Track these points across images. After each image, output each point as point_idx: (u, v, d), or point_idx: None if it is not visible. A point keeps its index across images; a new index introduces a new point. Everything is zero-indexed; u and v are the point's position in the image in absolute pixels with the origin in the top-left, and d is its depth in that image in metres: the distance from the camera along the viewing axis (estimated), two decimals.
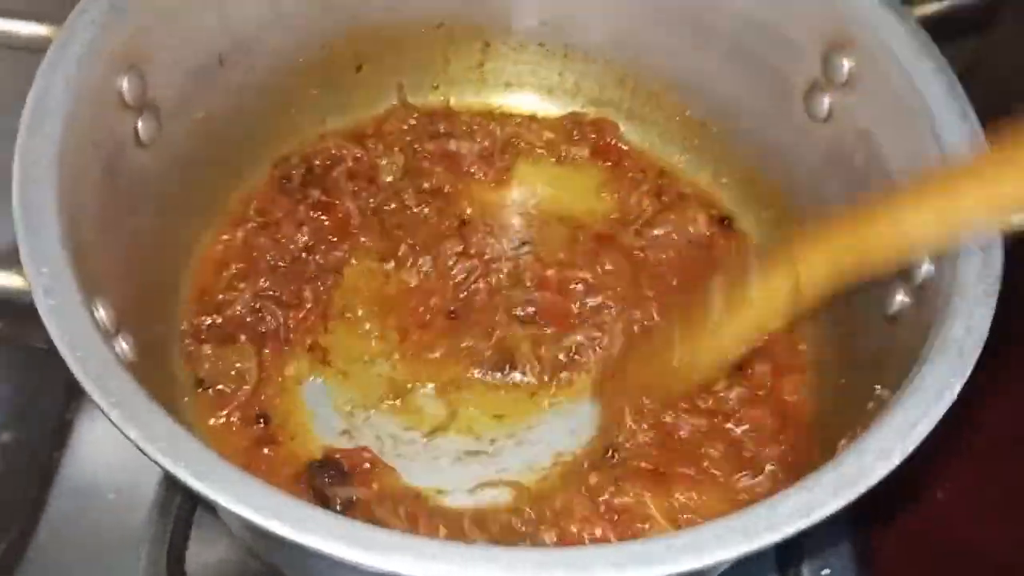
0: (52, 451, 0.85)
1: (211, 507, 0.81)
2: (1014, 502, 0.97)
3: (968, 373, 0.57)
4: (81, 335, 0.55)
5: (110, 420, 0.52)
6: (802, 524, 0.50)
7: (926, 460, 0.94)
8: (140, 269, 0.75)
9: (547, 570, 0.48)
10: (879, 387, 0.65)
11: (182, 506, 0.82)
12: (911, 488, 0.95)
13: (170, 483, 0.82)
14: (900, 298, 0.71)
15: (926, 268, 0.67)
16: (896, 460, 0.53)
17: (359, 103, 1.01)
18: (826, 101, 0.83)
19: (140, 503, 0.82)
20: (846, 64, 0.79)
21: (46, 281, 0.57)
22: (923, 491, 0.96)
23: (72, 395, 0.87)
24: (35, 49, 0.67)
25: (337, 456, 0.76)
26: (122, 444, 0.84)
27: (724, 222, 0.96)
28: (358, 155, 0.97)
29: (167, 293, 0.84)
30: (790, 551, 0.84)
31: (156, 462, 0.51)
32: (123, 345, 0.65)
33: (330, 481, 0.73)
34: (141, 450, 0.51)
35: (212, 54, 0.84)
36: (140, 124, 0.75)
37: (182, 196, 0.84)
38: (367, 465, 0.76)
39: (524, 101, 1.06)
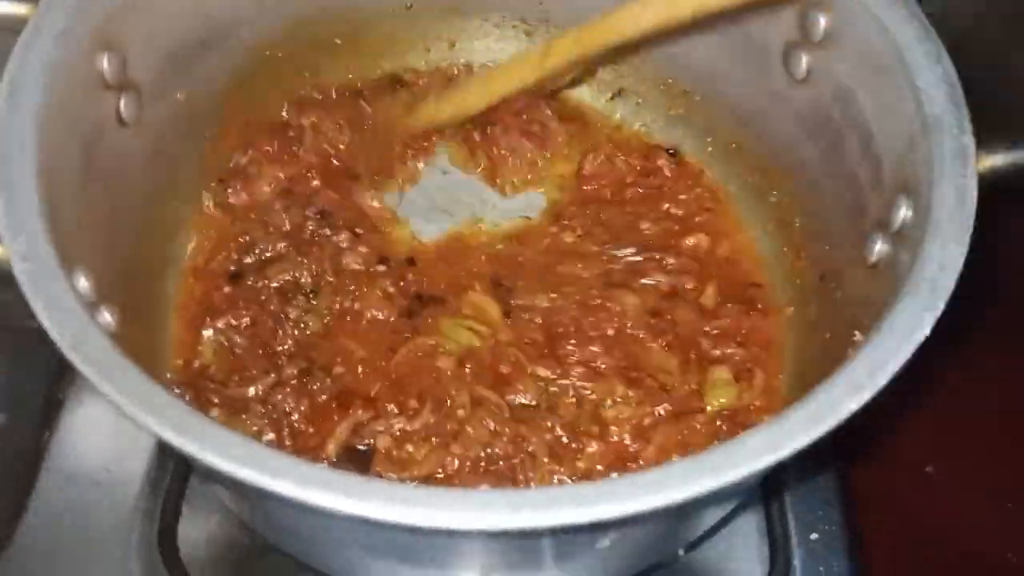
0: (42, 431, 0.86)
1: (202, 479, 0.82)
2: (1003, 477, 0.97)
3: (941, 308, 0.56)
4: (58, 299, 0.56)
5: (85, 376, 0.52)
6: (771, 459, 0.50)
7: (917, 435, 0.96)
8: (125, 244, 0.76)
9: (516, 511, 0.49)
10: (858, 333, 0.65)
11: (172, 483, 0.83)
12: (901, 460, 0.95)
13: (160, 461, 0.83)
14: (880, 246, 0.71)
15: (903, 213, 0.67)
16: (866, 395, 0.53)
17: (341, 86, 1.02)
18: (804, 60, 0.83)
19: (130, 481, 0.83)
20: (822, 21, 0.79)
21: (23, 248, 0.58)
22: (913, 465, 0.97)
23: (61, 374, 0.88)
24: (10, 28, 0.68)
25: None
26: (112, 423, 0.88)
27: None
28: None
29: (153, 274, 0.85)
30: (777, 516, 0.84)
31: (135, 420, 0.51)
32: (106, 318, 0.66)
33: None
34: (119, 408, 0.52)
35: (193, 36, 0.86)
36: (121, 104, 0.76)
37: (166, 176, 0.85)
38: None
39: None
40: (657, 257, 0.91)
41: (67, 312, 0.56)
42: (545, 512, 0.48)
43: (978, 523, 0.95)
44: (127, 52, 0.76)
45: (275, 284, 0.87)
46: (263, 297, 0.86)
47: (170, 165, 0.85)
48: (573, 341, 0.84)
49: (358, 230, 0.91)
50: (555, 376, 0.83)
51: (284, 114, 0.98)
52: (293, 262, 0.88)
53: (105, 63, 0.73)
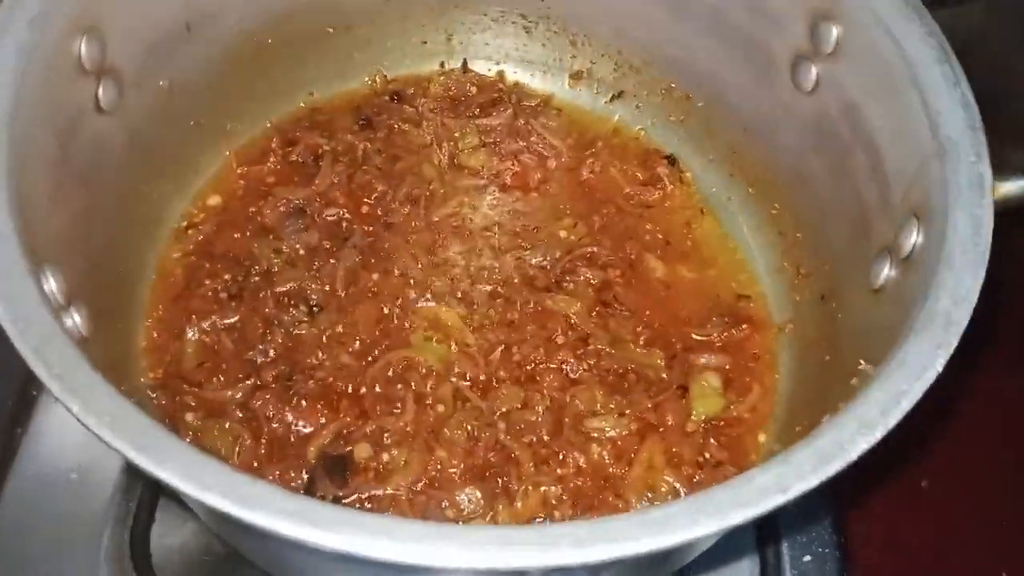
0: (13, 428, 0.82)
1: (168, 496, 0.79)
2: (998, 494, 0.96)
3: (954, 346, 0.54)
4: (24, 305, 0.53)
5: (48, 387, 0.49)
6: (778, 500, 0.48)
7: (910, 449, 0.95)
8: (100, 241, 0.73)
9: (511, 548, 0.46)
10: (863, 362, 0.63)
11: (146, 487, 0.79)
12: (895, 477, 0.94)
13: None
14: (887, 271, 0.69)
15: (914, 239, 0.65)
16: (878, 434, 0.50)
17: (329, 78, 0.99)
18: (813, 71, 0.80)
19: (103, 483, 0.79)
20: (834, 32, 0.76)
21: None
22: (908, 480, 0.96)
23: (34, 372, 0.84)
24: None
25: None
26: None
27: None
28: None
29: (131, 269, 0.81)
30: (770, 539, 0.82)
31: (99, 437, 0.48)
32: (75, 318, 0.62)
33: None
34: (83, 424, 0.49)
35: (178, 21, 0.82)
36: (100, 90, 0.73)
37: (146, 167, 0.82)
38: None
39: (507, 75, 1.04)
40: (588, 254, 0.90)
41: (32, 319, 0.53)
42: (541, 552, 0.46)
43: (972, 539, 0.94)
44: (107, 36, 0.72)
45: (279, 289, 0.84)
46: (258, 299, 0.83)
47: (152, 157, 0.82)
48: (541, 349, 0.82)
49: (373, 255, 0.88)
50: (529, 383, 0.81)
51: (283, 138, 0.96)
52: (302, 274, 0.85)
53: (83, 47, 0.69)
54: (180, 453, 0.48)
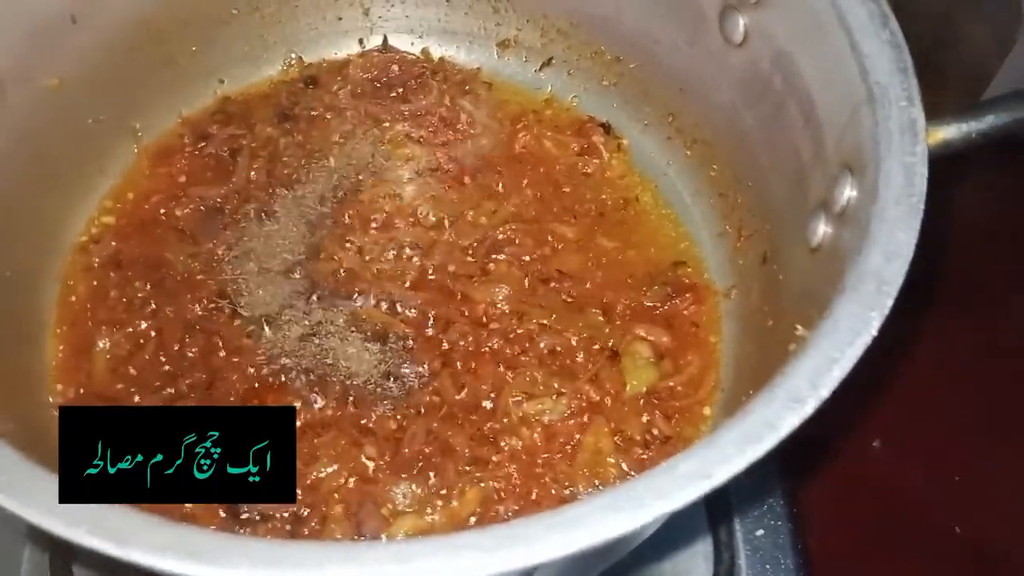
0: None
1: None
2: (950, 450, 0.94)
3: (888, 307, 0.50)
4: None
5: None
6: (702, 488, 0.44)
7: (860, 410, 0.92)
8: None
9: (411, 563, 0.42)
10: (800, 327, 0.59)
11: None
12: (845, 440, 0.91)
13: None
14: (823, 228, 0.64)
15: (847, 193, 0.61)
16: (809, 408, 0.46)
17: (240, 64, 0.93)
18: (740, 22, 0.76)
19: None
20: None
21: None
22: (859, 440, 0.93)
23: None
24: None
25: None
26: None
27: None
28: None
29: (30, 282, 0.76)
30: (722, 516, 0.79)
31: None
32: None
33: None
34: None
35: (60, 12, 0.76)
36: None
37: (41, 172, 0.77)
38: None
39: (432, 49, 0.99)
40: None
41: None
42: (443, 564, 0.42)
43: (925, 496, 0.93)
44: None
45: (199, 292, 0.79)
46: (176, 304, 0.79)
47: (48, 161, 0.77)
48: (470, 336, 0.78)
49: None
50: (462, 371, 0.77)
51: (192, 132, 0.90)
52: (222, 275, 0.80)
53: None
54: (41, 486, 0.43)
